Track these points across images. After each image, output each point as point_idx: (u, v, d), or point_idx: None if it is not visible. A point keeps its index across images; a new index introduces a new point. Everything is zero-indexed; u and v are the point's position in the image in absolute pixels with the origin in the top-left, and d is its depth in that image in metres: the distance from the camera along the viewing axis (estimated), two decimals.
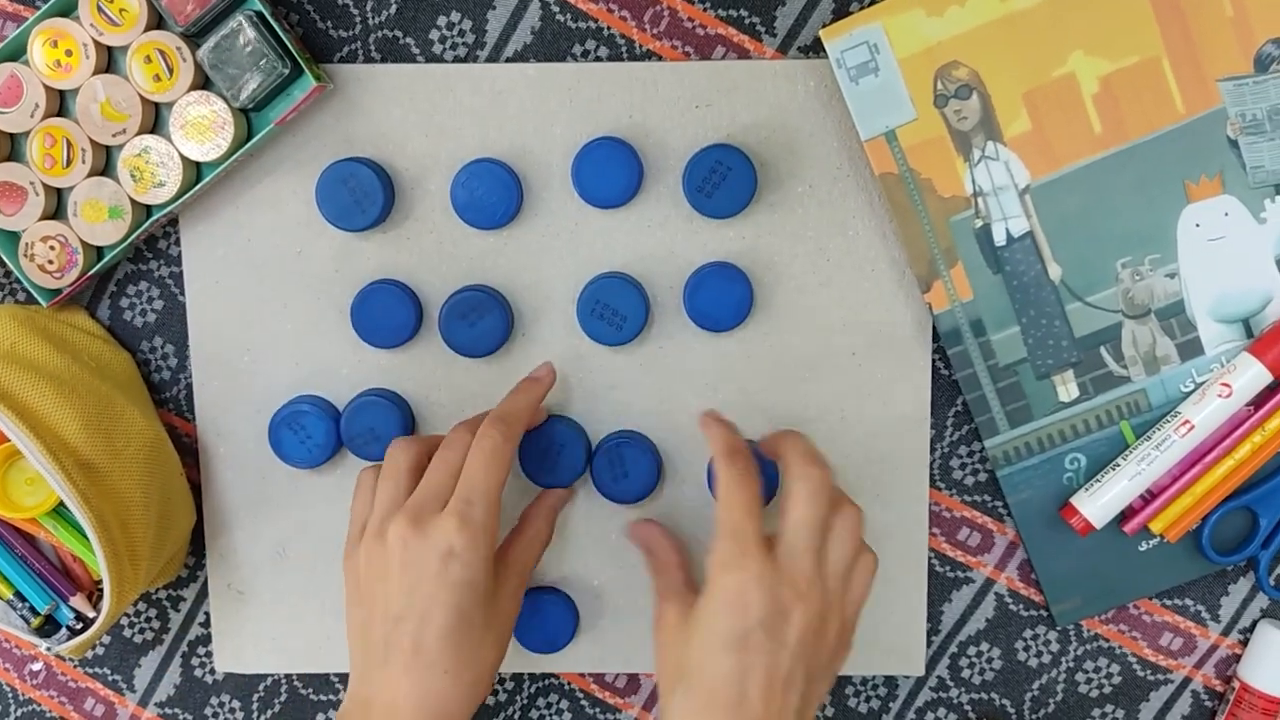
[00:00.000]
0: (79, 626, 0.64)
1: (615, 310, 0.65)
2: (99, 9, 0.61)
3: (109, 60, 0.63)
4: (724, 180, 0.64)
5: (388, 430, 0.66)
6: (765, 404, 0.67)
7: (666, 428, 0.67)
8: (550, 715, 0.72)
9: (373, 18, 0.65)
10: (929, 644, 0.70)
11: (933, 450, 0.68)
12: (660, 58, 0.65)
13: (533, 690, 0.71)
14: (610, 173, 0.64)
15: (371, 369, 0.67)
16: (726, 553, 0.56)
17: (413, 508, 0.58)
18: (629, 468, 0.66)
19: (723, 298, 0.65)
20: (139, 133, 0.62)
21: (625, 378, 0.67)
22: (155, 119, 0.63)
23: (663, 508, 0.68)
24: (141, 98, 0.62)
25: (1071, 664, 0.70)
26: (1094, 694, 0.70)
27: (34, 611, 0.64)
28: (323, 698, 0.72)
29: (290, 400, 0.67)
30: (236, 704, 0.72)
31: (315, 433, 0.66)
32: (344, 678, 0.71)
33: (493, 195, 0.64)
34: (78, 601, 0.64)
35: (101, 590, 0.61)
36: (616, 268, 0.66)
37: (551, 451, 0.66)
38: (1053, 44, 0.62)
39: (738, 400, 0.67)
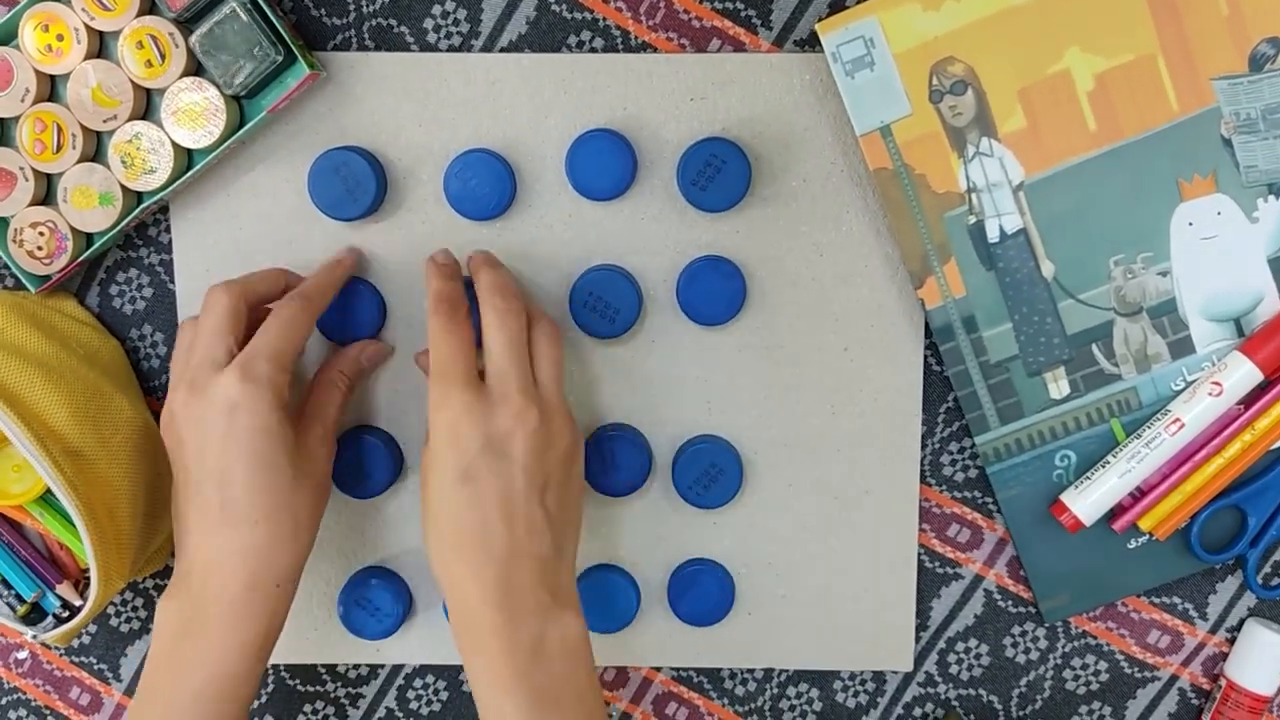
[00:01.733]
0: (65, 615, 0.64)
1: (608, 303, 0.65)
2: None
3: (101, 45, 0.62)
4: (718, 174, 0.64)
5: (375, 467, 0.66)
6: (757, 398, 0.67)
7: (656, 421, 0.67)
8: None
9: (366, 5, 0.64)
10: (917, 639, 0.70)
11: (923, 446, 0.68)
12: (655, 49, 0.65)
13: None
14: (604, 164, 0.64)
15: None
16: (436, 394, 0.57)
17: (189, 373, 0.58)
18: (619, 460, 0.66)
19: (716, 291, 0.65)
20: (130, 119, 0.62)
21: (616, 370, 0.67)
22: (147, 105, 0.63)
23: (651, 503, 0.68)
24: (133, 83, 0.61)
25: (1059, 661, 0.70)
26: (1081, 691, 0.71)
27: (20, 599, 0.64)
28: (310, 688, 0.71)
29: (355, 575, 0.68)
30: None
31: (383, 604, 0.68)
32: (332, 669, 0.71)
33: (486, 186, 0.64)
34: (64, 589, 0.63)
35: (88, 578, 0.60)
36: (609, 260, 0.66)
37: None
38: (1048, 40, 0.62)
39: (728, 393, 0.67)
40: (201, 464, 0.57)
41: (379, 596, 0.67)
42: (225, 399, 0.57)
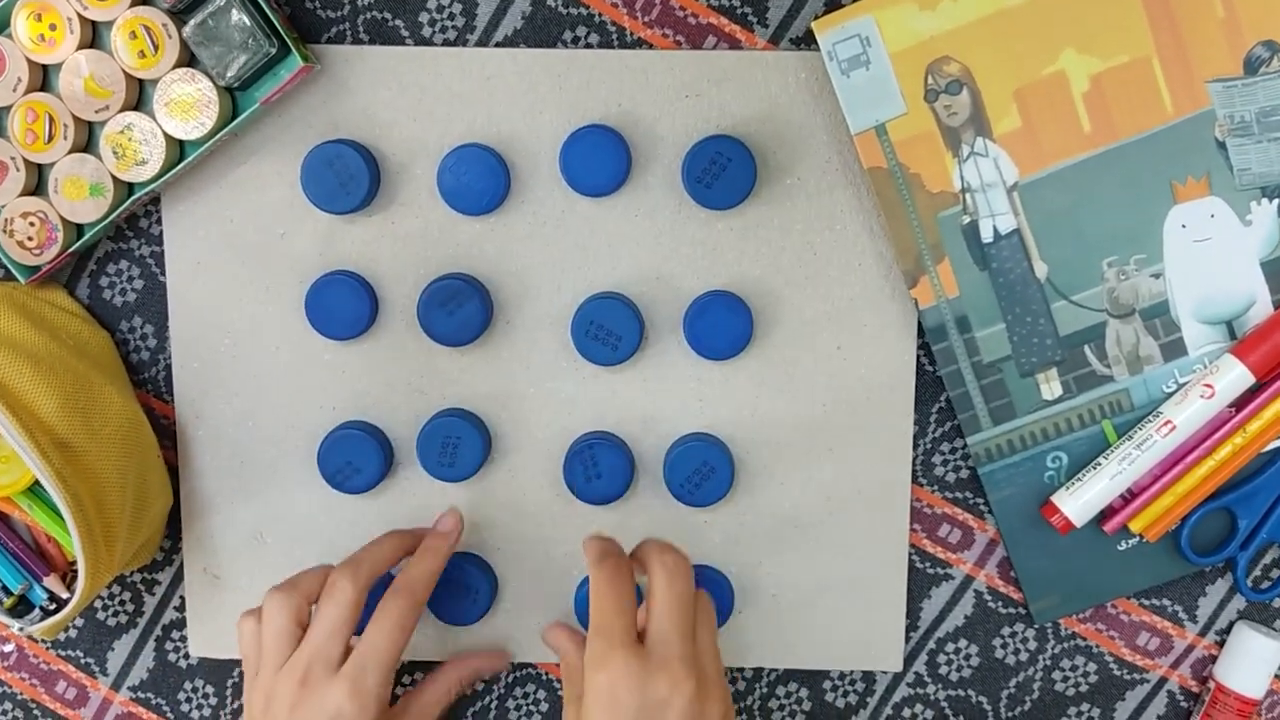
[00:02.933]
0: (52, 607, 0.63)
1: (610, 330, 0.65)
2: None
3: (94, 35, 0.62)
4: (724, 171, 0.63)
5: (366, 463, 0.66)
6: (749, 396, 0.67)
7: (648, 418, 0.67)
8: (527, 705, 0.71)
9: None
10: (907, 640, 0.70)
11: (915, 446, 0.68)
12: (651, 46, 0.64)
13: (510, 680, 0.71)
14: (598, 161, 0.64)
15: (353, 354, 0.67)
16: (595, 651, 0.56)
17: (301, 667, 0.59)
18: (601, 469, 0.66)
19: (723, 327, 0.65)
20: (122, 109, 0.62)
21: (616, 388, 0.67)
22: (139, 96, 0.62)
23: (634, 510, 0.68)
24: (126, 74, 0.61)
25: (1049, 662, 0.70)
26: (1070, 692, 0.71)
27: (7, 591, 0.63)
28: None
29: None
30: (210, 689, 0.71)
31: (371, 600, 0.65)
32: None
33: (480, 181, 0.64)
34: (51, 582, 0.63)
35: (76, 571, 0.60)
36: (602, 255, 0.66)
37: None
38: (1044, 41, 0.62)
39: (720, 391, 0.67)
40: None
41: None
42: (335, 710, 0.58)
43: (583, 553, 0.61)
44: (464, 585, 0.67)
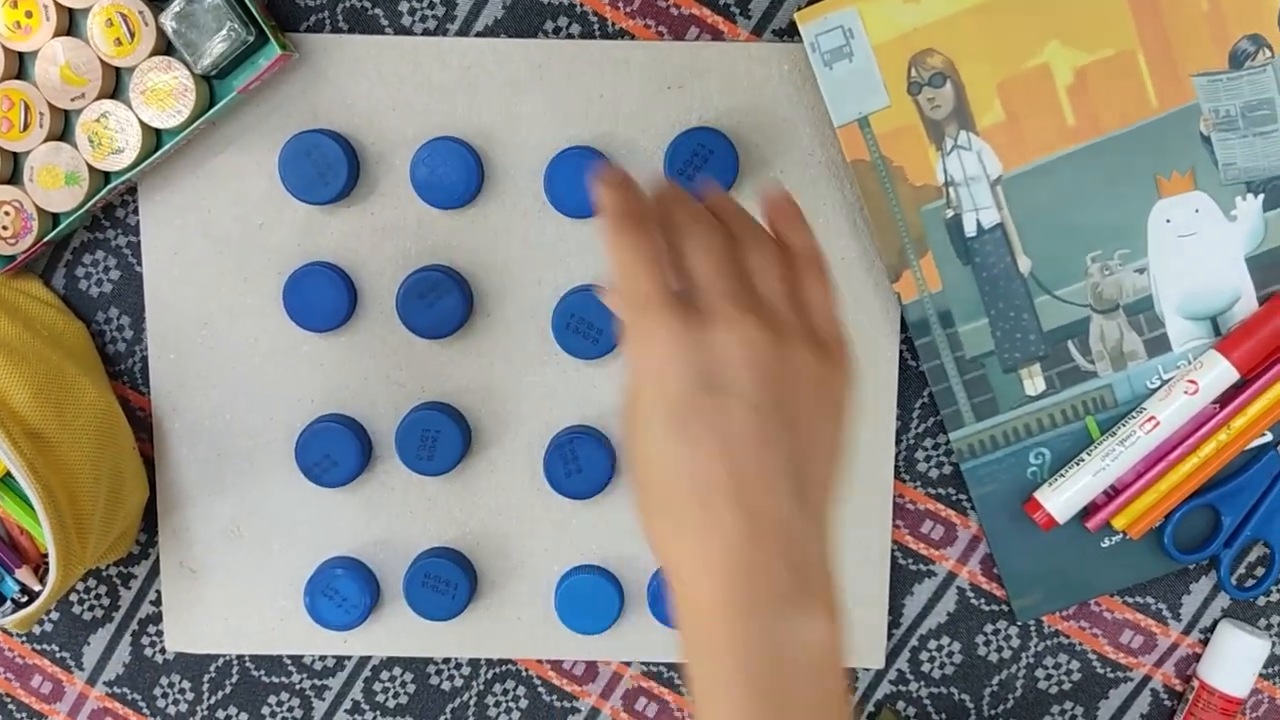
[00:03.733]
0: (24, 600, 0.63)
1: (590, 323, 0.64)
2: None
3: (70, 22, 0.61)
4: (706, 164, 0.63)
5: (344, 456, 0.65)
6: None
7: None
8: (506, 701, 0.71)
9: None
10: (889, 637, 0.70)
11: (898, 442, 0.67)
12: (633, 36, 0.64)
13: (489, 676, 0.71)
14: (583, 183, 0.63)
15: (331, 346, 0.66)
16: (632, 327, 0.44)
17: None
18: (582, 463, 0.65)
19: None
20: (98, 98, 0.61)
21: (597, 381, 0.66)
22: (116, 84, 0.62)
23: (616, 505, 0.67)
24: (102, 62, 0.60)
25: (1031, 660, 0.70)
26: (1053, 690, 0.70)
27: None
28: (275, 680, 0.71)
29: (322, 565, 0.67)
30: (187, 684, 0.71)
31: (350, 594, 0.67)
32: (297, 660, 0.70)
33: (453, 174, 0.63)
34: (23, 574, 0.62)
35: (49, 564, 0.59)
36: (584, 247, 0.65)
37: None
38: (1028, 34, 0.62)
39: None
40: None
41: (346, 587, 0.67)
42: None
43: (594, 200, 0.47)
44: (443, 580, 0.67)
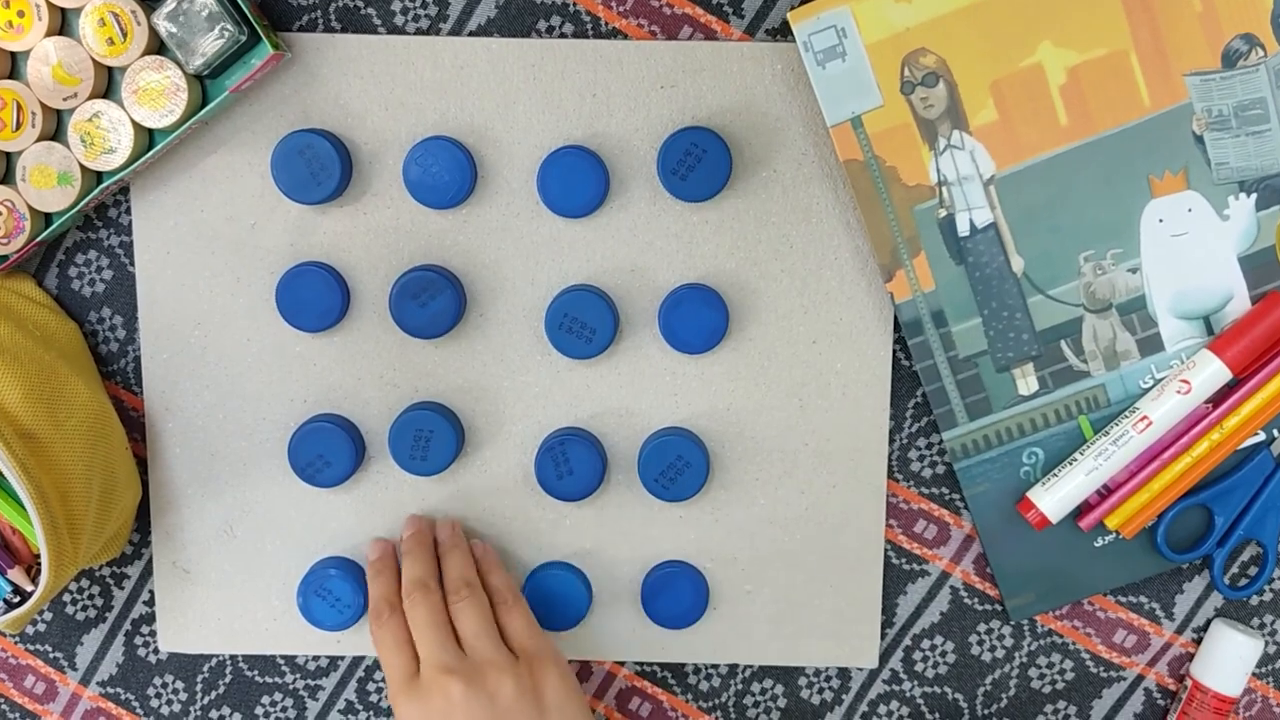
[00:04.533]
0: (16, 600, 0.62)
1: (584, 323, 0.64)
2: None
3: (62, 22, 0.61)
4: (699, 163, 0.63)
5: (337, 456, 0.65)
6: (723, 390, 0.66)
7: (621, 412, 0.67)
8: None
9: None
10: (883, 636, 0.70)
11: (891, 441, 0.67)
12: (626, 36, 0.64)
13: None
14: (576, 183, 0.63)
15: (324, 346, 0.66)
16: (390, 699, 0.61)
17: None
18: (573, 465, 0.65)
19: (698, 321, 0.64)
20: (90, 97, 0.61)
21: (591, 380, 0.66)
22: (108, 83, 0.62)
23: (608, 504, 0.67)
24: (94, 61, 0.60)
25: (1025, 659, 0.70)
26: (1047, 690, 0.70)
27: None
28: (268, 680, 0.71)
29: (315, 565, 0.67)
30: (180, 684, 0.71)
31: (343, 594, 0.67)
32: (291, 660, 0.70)
33: (446, 174, 0.63)
34: (15, 575, 0.62)
35: (41, 564, 0.59)
36: (576, 247, 0.65)
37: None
38: (1021, 33, 0.62)
39: (695, 385, 0.66)
40: None
41: (339, 587, 0.66)
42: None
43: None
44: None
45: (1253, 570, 0.69)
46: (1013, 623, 0.69)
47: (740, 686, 0.70)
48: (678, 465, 0.66)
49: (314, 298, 0.64)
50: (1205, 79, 0.62)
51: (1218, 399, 0.65)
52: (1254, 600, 0.69)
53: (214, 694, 0.71)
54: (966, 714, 0.70)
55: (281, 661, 0.70)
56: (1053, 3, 0.61)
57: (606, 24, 0.64)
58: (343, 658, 0.70)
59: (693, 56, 0.63)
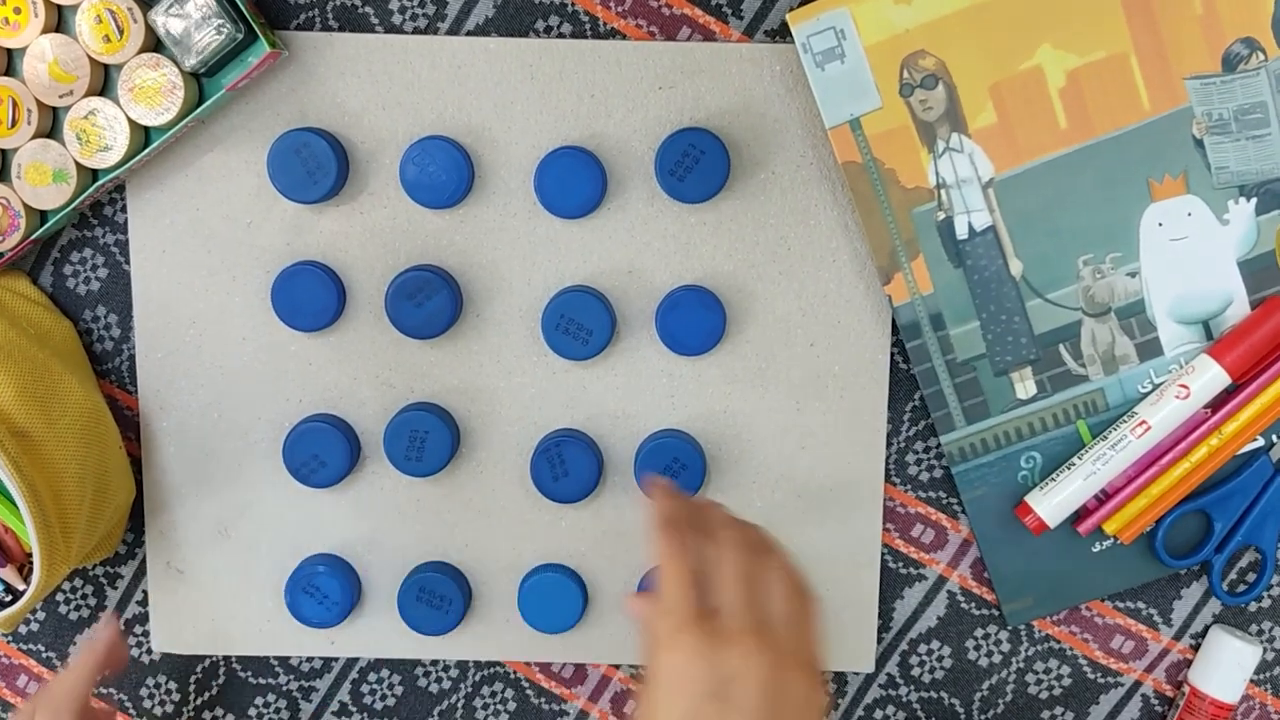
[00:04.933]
0: (8, 599, 0.62)
1: (581, 324, 0.64)
2: None
3: (59, 19, 0.61)
4: (697, 165, 0.63)
5: (332, 456, 0.65)
6: (720, 392, 0.66)
7: (619, 414, 0.66)
8: (494, 704, 0.70)
9: None
10: (880, 640, 0.69)
11: (889, 445, 0.67)
12: (624, 36, 0.64)
13: (477, 678, 0.70)
14: (574, 184, 0.63)
15: (321, 347, 0.66)
16: (662, 630, 0.53)
17: None
18: (569, 467, 0.65)
19: (696, 322, 0.64)
20: (87, 95, 0.61)
21: (587, 382, 0.66)
22: (104, 81, 0.62)
23: (605, 506, 0.67)
24: (90, 59, 0.60)
25: (1022, 664, 0.69)
26: (1044, 695, 0.70)
27: None
28: (261, 681, 0.70)
29: (304, 562, 0.67)
30: (173, 685, 0.70)
31: (331, 592, 0.66)
32: (284, 661, 0.70)
33: (443, 174, 0.63)
34: (8, 574, 0.62)
35: (33, 563, 0.59)
36: (573, 248, 0.65)
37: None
38: (1020, 36, 0.61)
39: (692, 387, 0.66)
40: None
41: (327, 584, 0.66)
42: None
43: (646, 500, 0.57)
44: (438, 595, 0.66)
45: (1251, 576, 0.68)
46: (1010, 628, 0.69)
47: None
48: (674, 467, 0.65)
49: (310, 297, 0.64)
50: (1205, 82, 0.62)
51: (1216, 404, 0.64)
52: (1252, 607, 0.69)
53: (207, 695, 0.71)
54: (963, 719, 0.70)
55: (275, 662, 0.70)
56: (1052, 5, 0.61)
57: (605, 24, 0.64)
58: (336, 659, 0.70)
59: (691, 57, 0.63)
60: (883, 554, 0.68)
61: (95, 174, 0.62)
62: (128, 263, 0.66)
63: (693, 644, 0.52)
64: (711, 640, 0.52)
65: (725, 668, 0.51)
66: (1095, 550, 0.67)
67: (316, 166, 0.63)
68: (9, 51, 0.61)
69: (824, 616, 0.55)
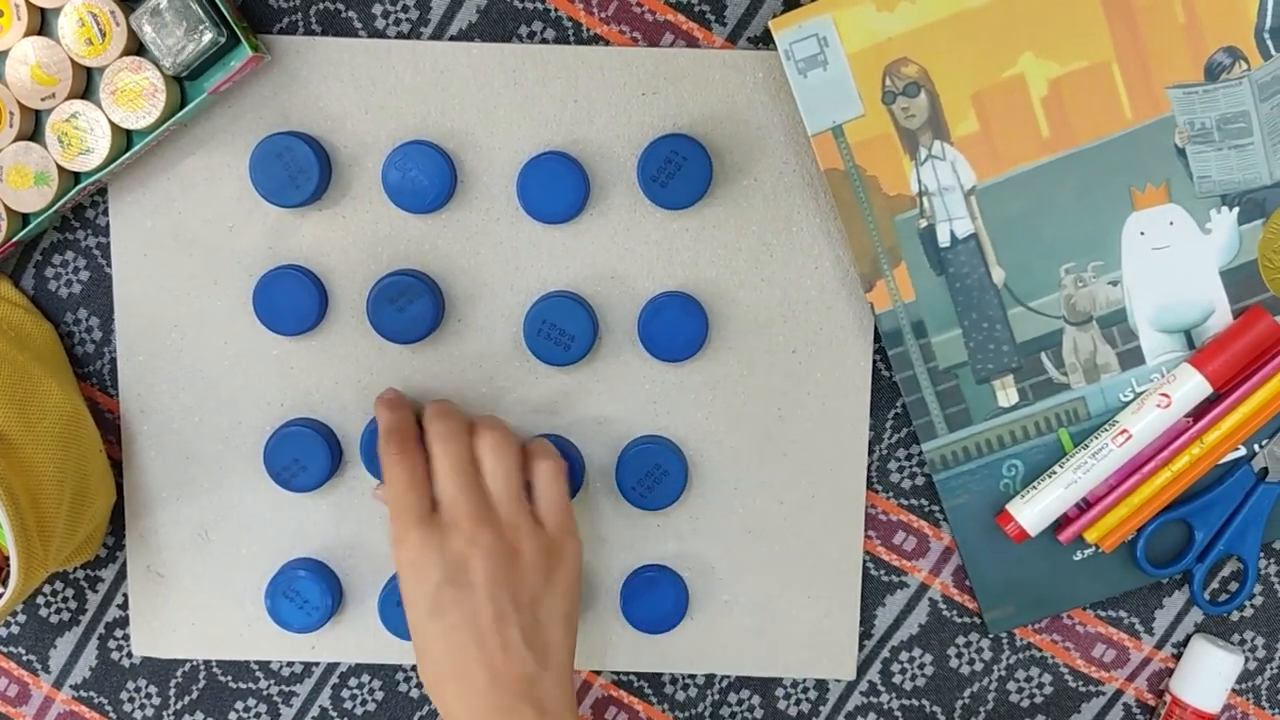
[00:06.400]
0: None
1: (563, 330, 0.64)
2: None
3: (41, 22, 0.61)
4: (679, 171, 0.63)
5: (312, 460, 0.65)
6: (703, 398, 0.66)
7: (600, 420, 0.66)
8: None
9: None
10: (861, 648, 0.69)
11: (871, 452, 0.67)
12: (607, 42, 0.64)
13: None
14: (556, 189, 0.63)
15: (303, 351, 0.66)
16: (395, 531, 0.58)
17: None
18: None
19: (678, 328, 0.64)
20: (69, 98, 0.61)
21: (569, 389, 0.66)
22: (87, 84, 0.61)
23: (586, 511, 0.67)
24: (72, 62, 0.60)
25: (1003, 673, 0.69)
26: (1025, 704, 0.70)
27: None
28: (242, 685, 0.70)
29: (284, 567, 0.67)
30: (153, 689, 0.70)
31: (311, 596, 0.66)
32: (265, 666, 0.70)
33: (426, 178, 0.63)
34: None
35: (10, 567, 0.59)
36: (556, 253, 0.65)
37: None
38: (1003, 44, 0.62)
39: (674, 393, 0.66)
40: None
41: (307, 588, 0.66)
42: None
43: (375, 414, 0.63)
44: None
45: (1233, 586, 0.68)
46: (991, 636, 0.69)
47: (717, 697, 0.70)
48: (656, 474, 0.65)
49: (291, 301, 0.64)
50: (1188, 92, 0.62)
51: (1198, 413, 0.64)
52: (1234, 616, 0.69)
53: (187, 699, 0.70)
54: None
55: (255, 667, 0.70)
56: (1035, 14, 0.61)
57: (588, 30, 0.64)
58: (317, 664, 0.70)
59: (674, 64, 0.63)
60: (864, 561, 0.68)
61: (77, 177, 0.62)
62: (109, 266, 0.66)
63: (419, 539, 0.58)
64: (436, 532, 0.58)
65: (452, 554, 0.57)
66: (1077, 559, 0.67)
67: (299, 170, 0.63)
68: None
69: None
